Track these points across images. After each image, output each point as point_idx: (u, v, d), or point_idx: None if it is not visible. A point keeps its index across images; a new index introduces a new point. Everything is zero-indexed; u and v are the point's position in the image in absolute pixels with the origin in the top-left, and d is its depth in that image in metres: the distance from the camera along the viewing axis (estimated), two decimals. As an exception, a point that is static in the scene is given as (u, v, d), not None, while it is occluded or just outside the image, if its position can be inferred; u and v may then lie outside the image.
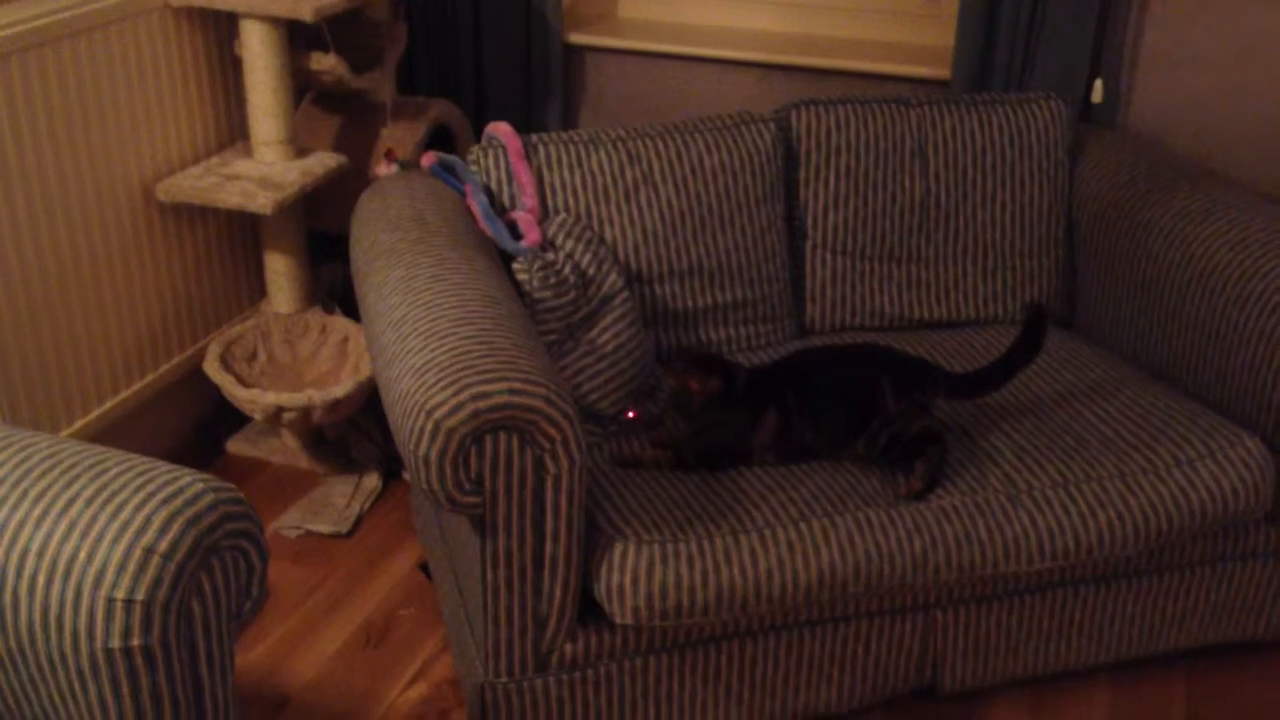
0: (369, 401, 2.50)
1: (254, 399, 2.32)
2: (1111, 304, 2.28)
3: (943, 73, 2.56)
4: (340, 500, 2.47)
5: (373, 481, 2.53)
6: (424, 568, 2.31)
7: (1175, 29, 2.44)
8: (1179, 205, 2.16)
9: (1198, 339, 2.07)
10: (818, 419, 1.87)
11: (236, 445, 2.63)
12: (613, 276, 2.04)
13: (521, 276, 1.95)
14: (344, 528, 2.40)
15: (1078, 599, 1.94)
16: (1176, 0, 2.43)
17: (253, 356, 2.49)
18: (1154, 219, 2.18)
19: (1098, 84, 2.47)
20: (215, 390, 2.46)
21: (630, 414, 1.94)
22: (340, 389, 2.35)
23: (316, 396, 2.33)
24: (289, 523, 2.41)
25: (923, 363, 1.93)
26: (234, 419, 2.63)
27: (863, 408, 1.86)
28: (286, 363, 2.53)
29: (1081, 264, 2.36)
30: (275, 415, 2.34)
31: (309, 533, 2.40)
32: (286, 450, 2.59)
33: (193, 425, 2.63)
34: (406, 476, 2.56)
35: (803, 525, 1.73)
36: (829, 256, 2.28)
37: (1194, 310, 2.07)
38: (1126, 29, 2.42)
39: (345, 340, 2.53)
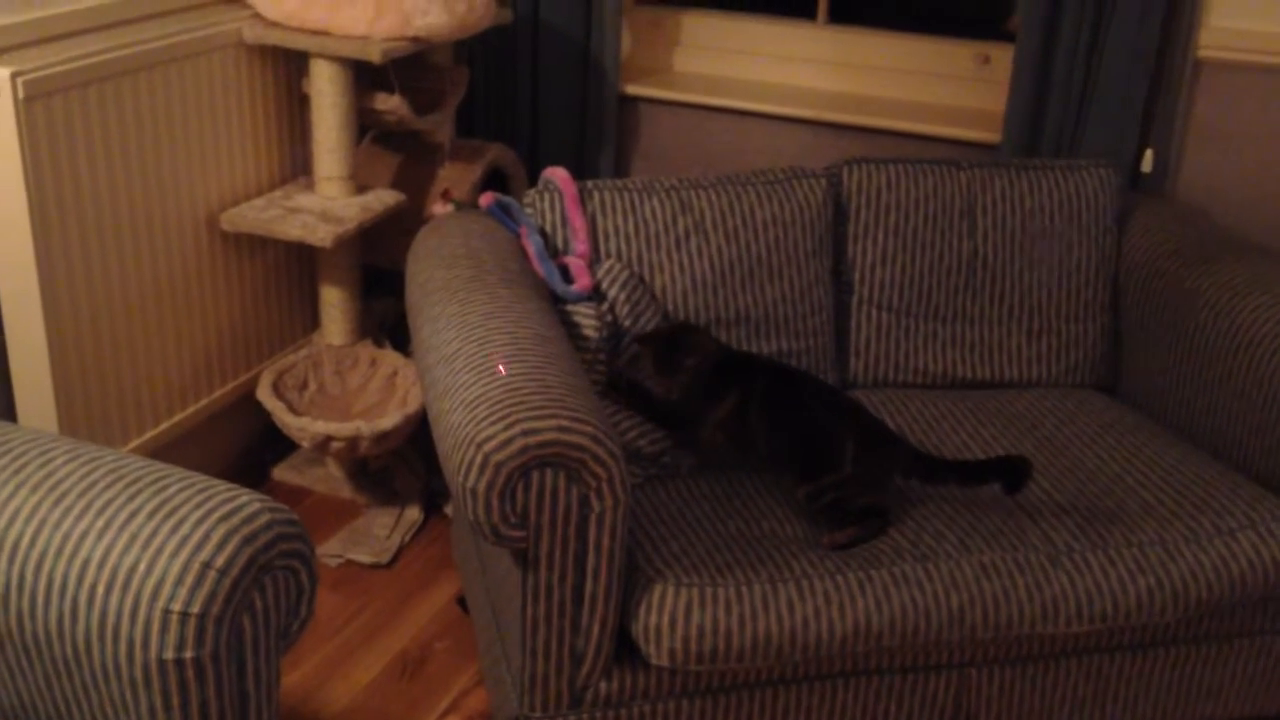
0: (414, 435, 2.54)
1: (304, 427, 2.36)
2: (1156, 372, 2.28)
3: (993, 137, 2.59)
4: (381, 531, 2.51)
5: (414, 514, 2.56)
6: (461, 602, 2.34)
7: (1227, 102, 2.47)
8: (1225, 276, 2.17)
9: (1242, 410, 2.07)
10: (769, 433, 1.92)
11: (282, 472, 2.68)
12: (650, 329, 2.08)
13: (581, 321, 1.99)
14: (384, 558, 2.43)
15: (1113, 665, 1.93)
16: (1229, 74, 2.45)
17: (303, 386, 2.54)
18: (1200, 289, 2.19)
19: (1148, 154, 2.49)
20: (263, 417, 2.51)
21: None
22: (388, 421, 2.39)
23: (364, 427, 2.37)
24: (330, 551, 2.45)
25: (892, 437, 1.93)
26: (280, 446, 2.68)
27: (816, 455, 1.88)
28: (336, 393, 2.57)
29: (1126, 331, 2.38)
30: (323, 444, 2.39)
31: (349, 562, 2.43)
32: (330, 480, 2.63)
33: (240, 451, 2.68)
34: (448, 511, 2.59)
35: (839, 577, 1.74)
36: (874, 312, 2.30)
37: (1239, 381, 2.07)
38: (1178, 100, 2.45)
39: (394, 374, 2.58)
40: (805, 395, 1.96)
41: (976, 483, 1.89)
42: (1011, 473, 1.85)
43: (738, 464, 2.03)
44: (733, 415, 1.97)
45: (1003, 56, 2.69)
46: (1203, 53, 2.43)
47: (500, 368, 1.54)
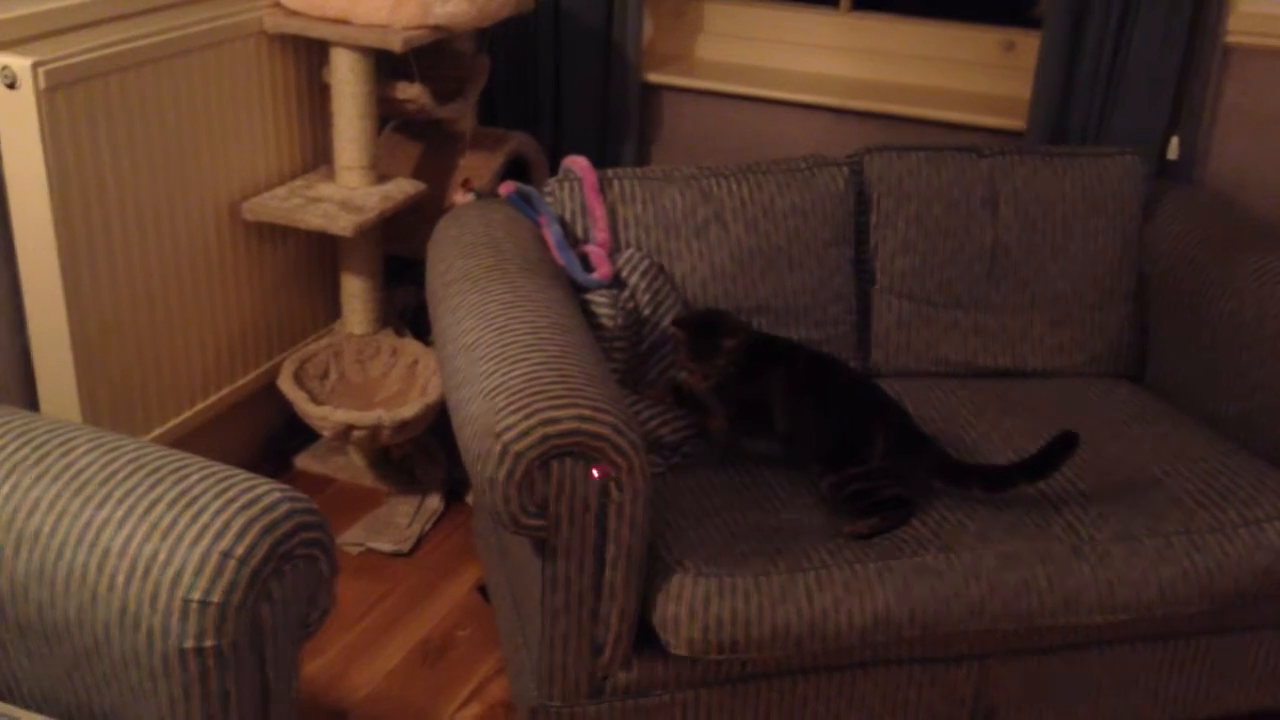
0: (435, 424, 2.54)
1: (325, 416, 2.37)
2: (1181, 360, 2.26)
3: (1018, 124, 2.57)
4: (402, 520, 2.51)
5: (435, 503, 2.57)
6: (482, 590, 2.34)
7: (1255, 89, 2.44)
8: (1254, 264, 2.15)
9: (1268, 399, 2.05)
10: (795, 418, 1.91)
11: (304, 461, 2.69)
12: (670, 317, 2.08)
13: (598, 310, 1.99)
14: (405, 547, 2.44)
15: (1136, 656, 1.92)
16: (1258, 59, 2.42)
17: (325, 375, 2.54)
18: (1228, 277, 2.17)
19: (1174, 141, 2.46)
20: (285, 406, 2.51)
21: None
22: (409, 410, 2.39)
23: (385, 416, 2.37)
24: (351, 539, 2.46)
25: (923, 436, 1.92)
26: (303, 435, 2.69)
27: (844, 446, 1.87)
28: (357, 382, 2.58)
29: (1152, 319, 2.35)
30: (344, 433, 2.39)
31: (370, 550, 2.44)
32: (352, 468, 2.64)
33: (263, 440, 2.69)
34: (469, 499, 2.60)
35: (859, 566, 1.73)
36: (896, 301, 2.29)
37: (1266, 370, 2.05)
38: (1205, 87, 2.42)
39: (415, 363, 2.58)
40: (837, 384, 1.94)
41: (1002, 488, 1.88)
42: (1038, 473, 1.84)
43: (759, 453, 2.02)
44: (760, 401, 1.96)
45: (1028, 43, 2.67)
46: (1231, 38, 2.40)
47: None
